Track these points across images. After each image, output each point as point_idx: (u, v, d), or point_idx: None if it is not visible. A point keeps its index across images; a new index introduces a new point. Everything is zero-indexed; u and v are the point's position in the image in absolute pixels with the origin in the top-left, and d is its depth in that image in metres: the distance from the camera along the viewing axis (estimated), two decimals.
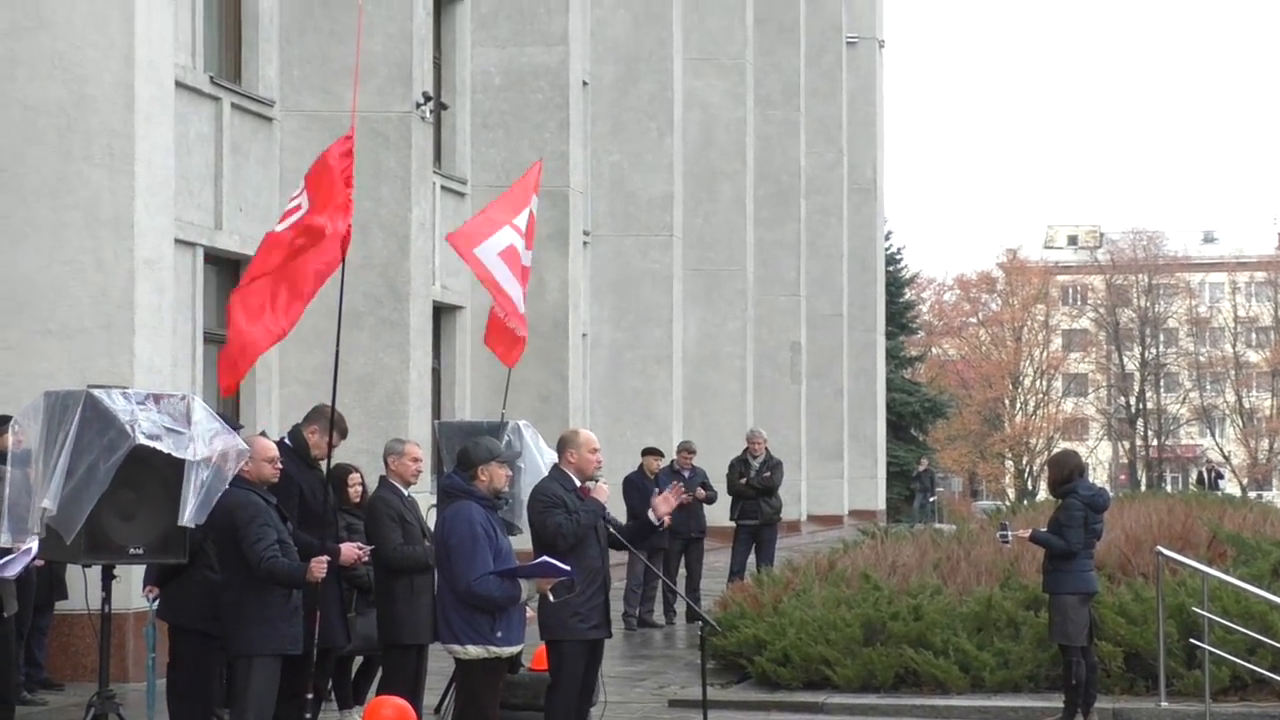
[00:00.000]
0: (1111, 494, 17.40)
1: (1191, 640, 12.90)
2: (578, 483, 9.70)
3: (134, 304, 13.84)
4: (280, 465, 9.30)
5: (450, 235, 14.43)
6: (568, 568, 9.07)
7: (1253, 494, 58.55)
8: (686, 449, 19.03)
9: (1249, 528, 17.64)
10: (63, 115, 13.87)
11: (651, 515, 9.78)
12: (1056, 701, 12.59)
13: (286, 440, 10.11)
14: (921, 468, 45.79)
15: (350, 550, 9.84)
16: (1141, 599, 13.63)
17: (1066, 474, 12.39)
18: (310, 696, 9.53)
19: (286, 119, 18.72)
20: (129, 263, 13.85)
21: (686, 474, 18.55)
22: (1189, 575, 13.72)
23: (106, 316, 13.79)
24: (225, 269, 18.12)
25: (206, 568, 9.31)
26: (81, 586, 10.42)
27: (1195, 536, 16.48)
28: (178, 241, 15.57)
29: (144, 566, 10.34)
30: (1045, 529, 12.38)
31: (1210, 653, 12.56)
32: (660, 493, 10.06)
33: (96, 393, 8.35)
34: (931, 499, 44.37)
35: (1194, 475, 67.48)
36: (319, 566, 9.01)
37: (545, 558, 9.08)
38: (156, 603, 9.99)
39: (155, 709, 9.92)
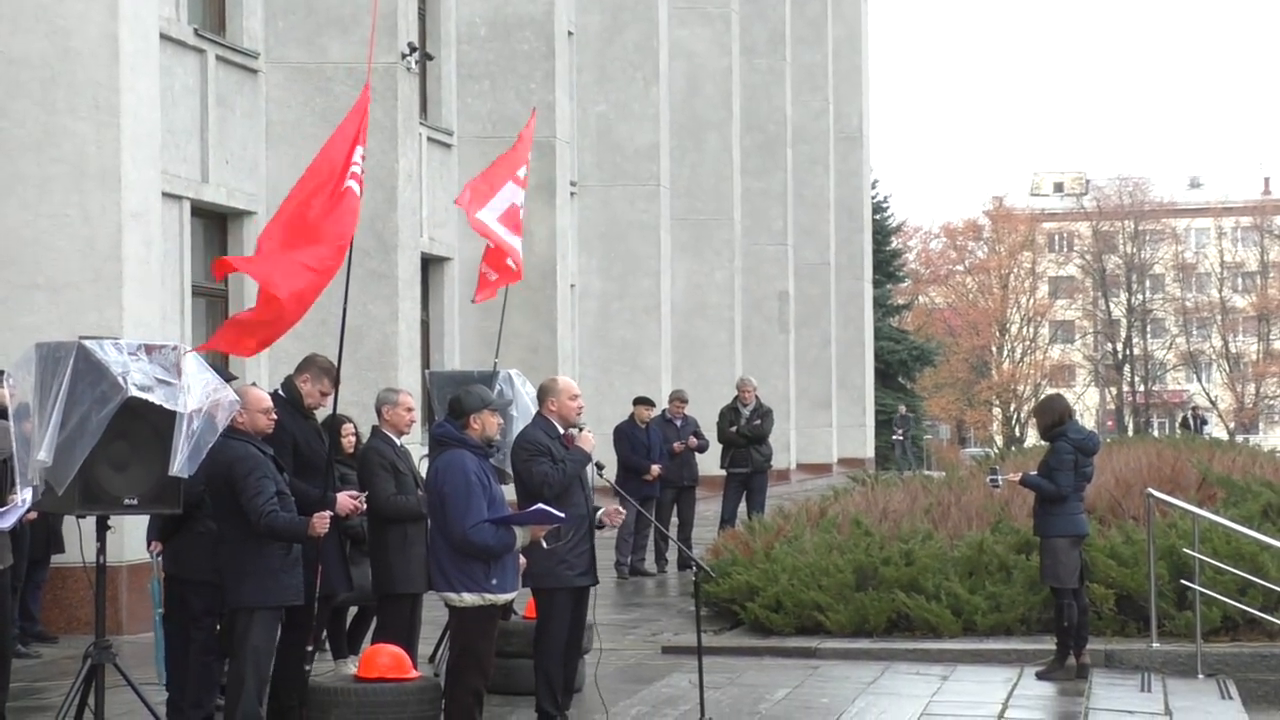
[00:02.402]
0: (1100, 439, 17.39)
1: (1182, 581, 12.96)
2: (561, 430, 9.73)
3: (122, 257, 13.80)
4: (275, 416, 9.27)
5: (458, 200, 14.38)
6: (563, 515, 9.10)
7: (1240, 438, 58.69)
8: (679, 398, 19.04)
9: (1238, 470, 17.68)
10: (47, 68, 13.79)
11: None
12: (1048, 644, 12.64)
13: (280, 391, 10.10)
14: (900, 414, 46.05)
15: (346, 500, 9.82)
16: (1132, 541, 13.68)
17: (1056, 418, 12.39)
18: (309, 649, 9.54)
19: (271, 71, 18.62)
20: (116, 216, 13.80)
21: (679, 423, 18.59)
22: (1179, 517, 13.75)
23: (94, 270, 13.74)
24: (212, 222, 18.06)
25: (209, 518, 9.29)
26: (76, 539, 10.38)
27: (1185, 479, 16.53)
28: (164, 195, 15.51)
29: (143, 520, 10.31)
30: (1035, 473, 12.41)
31: (1201, 593, 12.62)
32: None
33: (88, 344, 8.28)
34: (898, 436, 44.52)
35: (1179, 420, 67.62)
36: (320, 523, 8.95)
37: (541, 505, 9.10)
38: (160, 558, 9.96)
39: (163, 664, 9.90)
